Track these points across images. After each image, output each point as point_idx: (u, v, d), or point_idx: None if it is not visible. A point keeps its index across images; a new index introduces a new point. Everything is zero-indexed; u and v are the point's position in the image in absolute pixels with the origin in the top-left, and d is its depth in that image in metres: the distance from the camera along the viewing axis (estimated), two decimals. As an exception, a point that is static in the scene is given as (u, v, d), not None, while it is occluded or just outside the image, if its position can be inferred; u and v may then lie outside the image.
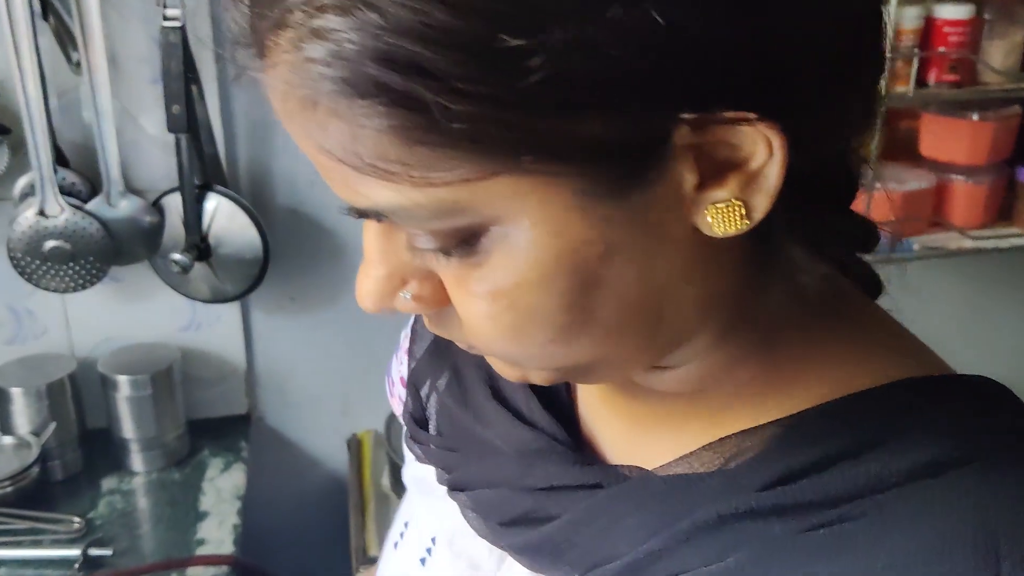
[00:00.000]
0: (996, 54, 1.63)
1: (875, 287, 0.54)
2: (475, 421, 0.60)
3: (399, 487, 1.56)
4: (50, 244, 1.43)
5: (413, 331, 0.70)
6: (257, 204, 1.55)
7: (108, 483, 1.54)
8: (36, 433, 1.50)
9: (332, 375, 1.75)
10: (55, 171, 1.40)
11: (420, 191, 0.38)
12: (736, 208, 0.40)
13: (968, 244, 1.68)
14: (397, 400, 0.73)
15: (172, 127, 1.41)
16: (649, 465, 0.51)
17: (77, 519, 1.43)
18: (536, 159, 0.37)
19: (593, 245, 0.40)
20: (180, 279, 1.53)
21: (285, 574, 1.66)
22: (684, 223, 0.41)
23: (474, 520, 0.59)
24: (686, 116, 0.37)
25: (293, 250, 1.63)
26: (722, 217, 0.40)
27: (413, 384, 0.66)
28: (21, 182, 1.45)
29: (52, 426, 1.50)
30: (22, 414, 1.51)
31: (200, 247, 1.50)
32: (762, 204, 0.40)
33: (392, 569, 0.69)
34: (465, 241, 0.41)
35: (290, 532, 1.80)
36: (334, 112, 0.37)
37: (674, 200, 0.40)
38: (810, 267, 0.46)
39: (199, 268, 1.52)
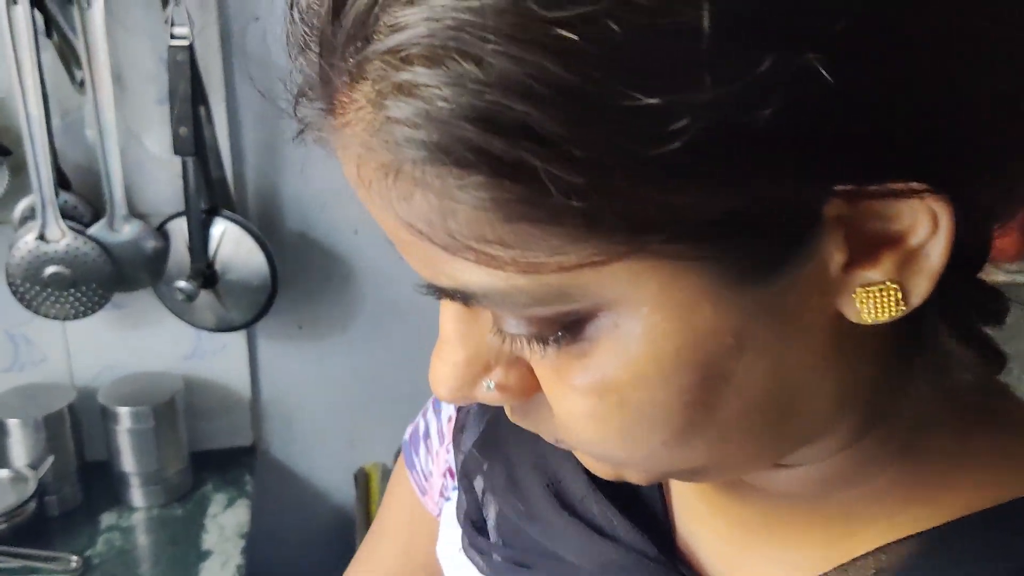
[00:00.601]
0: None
1: (999, 362, 0.47)
2: (541, 534, 0.52)
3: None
4: (50, 270, 1.39)
5: (460, 420, 0.61)
6: (265, 229, 1.51)
7: (107, 519, 1.49)
8: (33, 466, 1.45)
9: (340, 406, 1.70)
10: (56, 194, 1.36)
11: (522, 275, 0.33)
12: (891, 292, 0.34)
13: (1001, 277, 1.63)
14: (432, 499, 0.64)
15: (178, 149, 1.37)
16: None
17: (74, 557, 1.38)
18: (667, 240, 0.31)
19: (721, 336, 0.34)
20: (184, 307, 1.49)
21: (290, 614, 1.60)
22: (827, 309, 0.35)
23: None
24: (842, 188, 0.31)
25: (302, 277, 1.59)
26: (874, 302, 0.34)
27: (466, 479, 0.58)
28: (21, 205, 1.41)
29: (50, 459, 1.46)
30: (19, 446, 1.46)
31: (206, 274, 1.46)
32: (922, 287, 0.34)
33: None
34: (567, 328, 0.35)
35: (295, 570, 1.75)
36: (421, 182, 0.32)
37: (818, 283, 0.34)
38: (964, 357, 0.39)
39: (204, 295, 1.47)
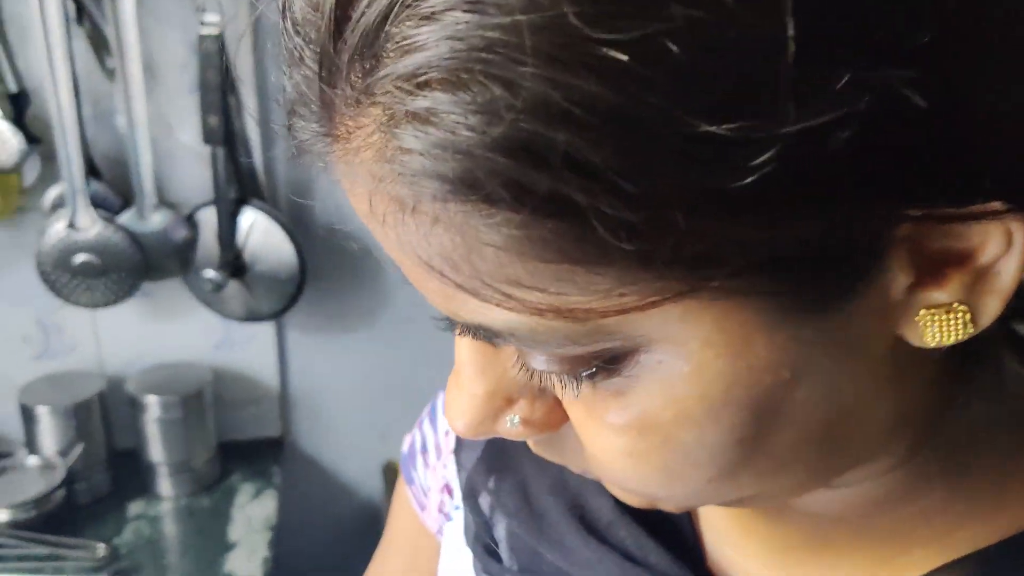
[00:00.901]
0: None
1: None
2: (564, 560, 0.48)
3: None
4: (80, 258, 1.39)
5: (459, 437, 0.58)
6: (295, 220, 1.50)
7: (135, 508, 1.49)
8: (62, 454, 1.45)
9: (369, 398, 1.69)
10: (87, 183, 1.35)
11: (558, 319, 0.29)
12: (958, 314, 0.31)
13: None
14: (431, 516, 0.61)
15: (208, 139, 1.37)
16: None
17: (102, 545, 1.38)
18: (727, 277, 0.28)
19: (776, 371, 0.31)
20: (213, 297, 1.49)
21: (316, 607, 1.60)
22: (887, 333, 0.32)
23: None
24: (914, 212, 0.28)
25: (331, 268, 1.57)
26: (939, 325, 0.31)
27: (472, 498, 0.54)
28: (51, 193, 1.41)
29: (79, 447, 1.46)
30: (48, 434, 1.46)
31: (235, 264, 1.45)
32: (992, 307, 0.31)
33: None
34: (601, 365, 0.31)
35: (322, 564, 1.74)
36: (442, 218, 0.28)
37: (880, 307, 0.31)
38: (1017, 368, 0.36)
39: (233, 285, 1.47)
